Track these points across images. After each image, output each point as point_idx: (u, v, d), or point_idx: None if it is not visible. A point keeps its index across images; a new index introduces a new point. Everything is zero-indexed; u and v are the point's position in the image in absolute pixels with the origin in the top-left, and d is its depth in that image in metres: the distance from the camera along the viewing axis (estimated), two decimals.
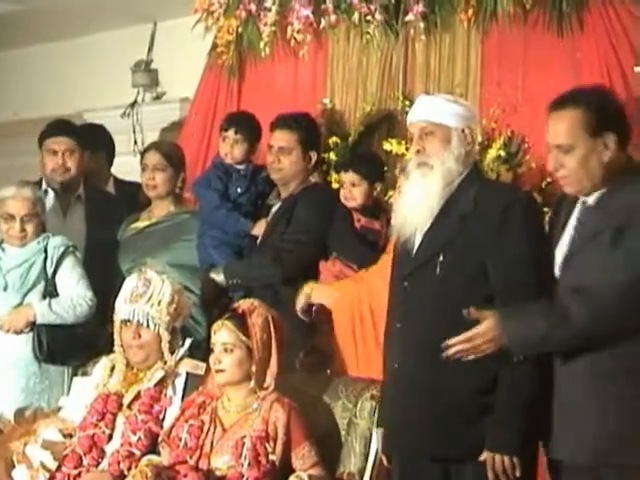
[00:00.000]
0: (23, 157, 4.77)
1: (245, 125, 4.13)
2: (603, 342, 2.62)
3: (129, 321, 3.51)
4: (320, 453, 3.22)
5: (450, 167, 2.94)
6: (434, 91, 4.36)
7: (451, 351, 2.72)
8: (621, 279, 2.58)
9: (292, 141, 3.91)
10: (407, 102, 4.38)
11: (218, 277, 3.94)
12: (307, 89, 4.65)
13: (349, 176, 3.86)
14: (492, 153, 4.18)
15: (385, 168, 4.09)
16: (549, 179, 3.99)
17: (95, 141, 4.66)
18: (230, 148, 4.11)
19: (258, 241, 3.98)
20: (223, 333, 3.28)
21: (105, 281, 4.07)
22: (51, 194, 4.33)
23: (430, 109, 3.00)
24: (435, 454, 2.87)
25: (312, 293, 3.72)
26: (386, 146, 4.33)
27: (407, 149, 4.29)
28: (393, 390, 3.00)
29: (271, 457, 3.17)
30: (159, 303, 3.52)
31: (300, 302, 3.73)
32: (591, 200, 2.74)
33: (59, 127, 4.40)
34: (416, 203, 2.95)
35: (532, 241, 2.85)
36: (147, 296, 3.52)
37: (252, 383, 3.26)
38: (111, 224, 4.32)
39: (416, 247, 2.97)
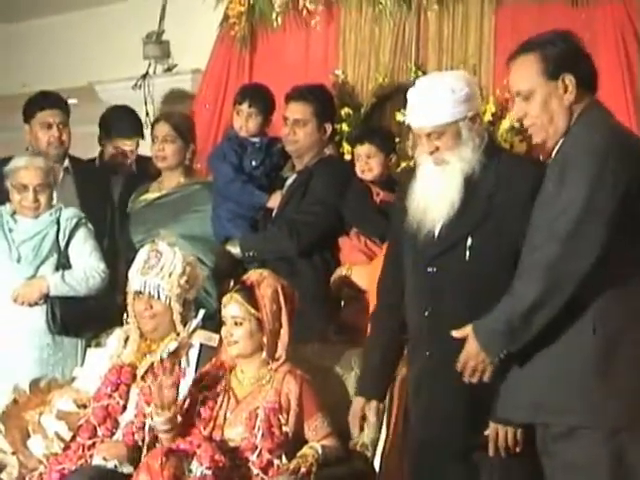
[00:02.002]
0: None
1: (259, 98, 4.12)
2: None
3: (141, 292, 3.52)
4: (333, 424, 3.23)
5: (468, 159, 2.88)
6: (447, 62, 4.35)
7: (466, 378, 2.70)
8: (553, 244, 2.52)
9: (307, 113, 3.90)
10: (419, 73, 4.36)
11: (234, 249, 3.95)
12: (319, 60, 4.64)
13: (365, 148, 3.85)
14: (505, 124, 4.16)
15: (397, 139, 4.07)
16: None
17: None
18: (244, 121, 4.11)
19: (273, 213, 3.97)
20: (232, 306, 3.28)
21: (111, 250, 4.10)
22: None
23: (431, 112, 2.87)
24: (468, 442, 2.84)
25: (352, 273, 3.69)
26: (398, 117, 4.31)
27: None
28: (425, 379, 2.94)
29: (284, 428, 3.18)
30: (170, 275, 3.52)
31: (335, 283, 3.71)
32: (554, 152, 2.69)
33: (50, 100, 4.36)
34: (436, 196, 2.89)
35: None
36: (158, 268, 3.53)
37: (264, 354, 3.27)
38: (102, 194, 4.33)
39: (438, 230, 2.90)
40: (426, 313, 2.91)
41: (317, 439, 3.19)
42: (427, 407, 2.93)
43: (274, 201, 3.98)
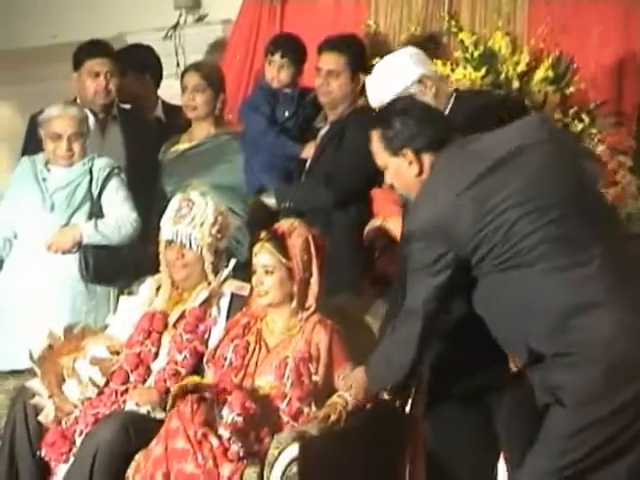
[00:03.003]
0: (62, 82, 4.74)
1: (291, 48, 4.09)
2: None
3: (173, 241, 3.54)
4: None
5: None
6: (481, 11, 4.31)
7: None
8: None
9: (341, 64, 3.87)
10: (453, 22, 4.32)
11: (269, 200, 3.95)
12: (350, 10, 4.60)
13: None
14: (540, 74, 4.12)
15: None
16: (598, 101, 3.93)
17: (140, 63, 4.64)
18: (277, 72, 4.09)
19: (307, 164, 3.97)
20: (263, 255, 3.29)
21: (145, 201, 4.10)
22: (90, 116, 4.33)
23: (381, 88, 3.08)
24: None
25: (388, 223, 3.71)
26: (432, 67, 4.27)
27: (452, 70, 4.25)
28: None
29: (314, 378, 3.20)
30: (202, 224, 3.54)
31: (369, 233, 3.73)
32: None
33: (99, 48, 4.34)
34: None
35: None
36: (190, 217, 3.54)
37: (294, 304, 3.29)
38: (148, 142, 4.32)
39: None
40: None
41: (351, 386, 3.20)
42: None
43: (308, 152, 3.97)
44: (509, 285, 2.51)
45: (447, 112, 3.09)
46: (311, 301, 3.30)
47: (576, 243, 2.47)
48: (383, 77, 3.12)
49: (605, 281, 2.43)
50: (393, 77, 3.07)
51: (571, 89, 4.05)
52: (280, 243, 3.29)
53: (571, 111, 4.05)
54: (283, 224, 3.37)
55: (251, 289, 3.42)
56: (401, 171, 2.77)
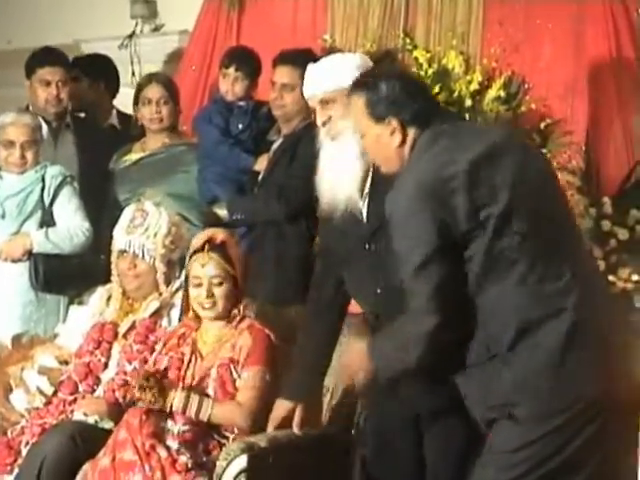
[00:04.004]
0: (16, 88, 4.71)
1: (246, 62, 4.10)
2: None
3: (125, 251, 3.54)
4: (269, 382, 3.18)
5: None
6: (435, 29, 4.35)
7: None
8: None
9: (295, 77, 3.86)
10: (408, 40, 4.36)
11: (221, 212, 3.96)
12: (307, 24, 4.61)
13: None
14: (492, 93, 4.17)
15: None
16: (548, 120, 4.00)
17: (95, 71, 4.63)
18: (231, 85, 4.09)
19: (260, 177, 3.98)
20: (210, 267, 3.25)
21: (98, 209, 4.08)
22: (43, 124, 4.30)
23: (321, 78, 2.93)
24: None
25: None
26: None
27: None
28: None
29: (238, 382, 3.19)
30: (155, 235, 3.54)
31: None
32: None
33: (51, 57, 4.32)
34: (339, 172, 2.87)
35: None
36: (143, 227, 3.54)
37: (234, 313, 3.29)
38: (101, 150, 4.30)
39: (365, 212, 2.90)
40: (378, 291, 2.89)
41: (240, 387, 3.17)
42: None
43: (261, 164, 3.98)
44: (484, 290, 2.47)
45: None
46: (242, 309, 3.30)
47: (550, 257, 2.46)
48: (327, 70, 2.93)
49: (574, 296, 2.43)
50: (337, 73, 2.89)
51: (522, 108, 4.11)
52: (223, 253, 3.28)
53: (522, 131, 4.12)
54: (217, 233, 3.33)
55: (186, 300, 3.37)
56: (382, 140, 2.61)
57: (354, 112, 2.67)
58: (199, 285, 3.27)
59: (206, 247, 3.28)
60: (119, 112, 4.75)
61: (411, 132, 2.59)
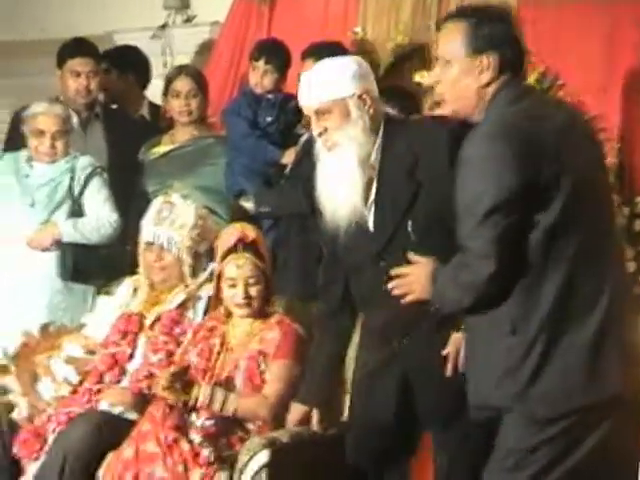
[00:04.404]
0: (48, 77, 4.74)
1: (276, 55, 4.10)
2: None
3: (152, 243, 3.55)
4: (297, 375, 3.17)
5: (359, 139, 2.78)
6: None
7: (391, 283, 2.58)
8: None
9: None
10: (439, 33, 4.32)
11: (247, 204, 3.96)
12: (338, 17, 4.61)
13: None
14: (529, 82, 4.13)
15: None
16: (585, 116, 3.95)
17: (123, 62, 4.65)
18: (260, 78, 4.09)
19: (287, 170, 3.98)
20: (248, 267, 3.27)
21: (126, 200, 4.10)
22: (73, 114, 4.32)
23: (317, 90, 2.80)
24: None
25: None
26: (417, 78, 4.29)
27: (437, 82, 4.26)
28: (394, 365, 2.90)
29: (266, 375, 3.21)
30: (182, 227, 3.55)
31: None
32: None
33: (82, 48, 4.35)
34: (338, 185, 2.81)
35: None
36: (170, 220, 3.56)
37: (266, 309, 3.31)
38: (131, 142, 4.31)
39: (372, 223, 2.84)
40: (390, 305, 2.75)
41: (268, 380, 3.19)
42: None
43: (288, 157, 3.98)
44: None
45: (381, 137, 2.83)
46: (273, 304, 3.32)
47: (596, 253, 2.41)
48: (322, 80, 2.81)
49: (606, 296, 2.39)
50: (333, 83, 2.78)
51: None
52: (256, 252, 3.30)
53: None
54: (247, 230, 3.34)
55: (215, 297, 3.38)
56: (467, 75, 2.41)
57: (446, 39, 2.47)
58: (234, 286, 3.28)
59: (239, 247, 3.29)
60: (151, 104, 4.76)
61: (502, 77, 2.43)
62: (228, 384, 3.21)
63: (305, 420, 3.08)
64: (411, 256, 2.58)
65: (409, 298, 2.57)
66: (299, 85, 2.89)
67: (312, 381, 3.08)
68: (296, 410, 3.10)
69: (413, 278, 2.56)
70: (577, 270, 2.39)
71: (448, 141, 2.71)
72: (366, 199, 2.84)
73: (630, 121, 3.99)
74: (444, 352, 2.81)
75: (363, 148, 2.80)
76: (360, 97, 2.79)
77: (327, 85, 2.80)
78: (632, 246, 3.80)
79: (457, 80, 2.44)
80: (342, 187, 2.81)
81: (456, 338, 2.78)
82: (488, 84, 2.43)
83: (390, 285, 2.59)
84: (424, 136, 2.83)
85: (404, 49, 4.44)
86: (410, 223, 2.77)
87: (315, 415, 3.07)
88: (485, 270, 2.35)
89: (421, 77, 4.27)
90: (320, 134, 2.82)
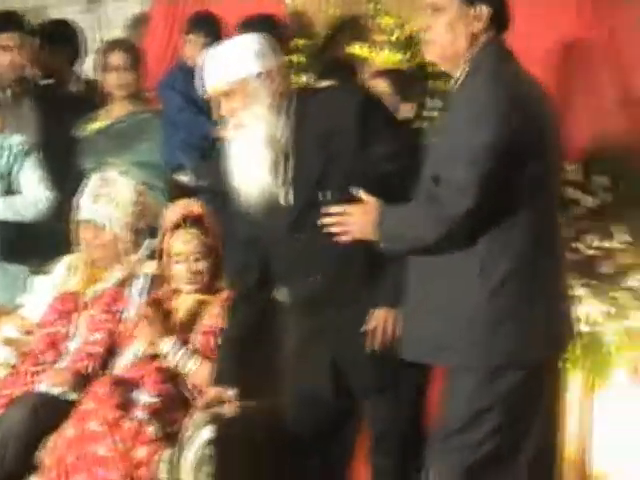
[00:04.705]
0: None
1: (210, 28, 4.07)
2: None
3: (90, 221, 3.51)
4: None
5: (265, 117, 2.76)
6: None
7: (326, 219, 2.59)
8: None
9: None
10: (373, 5, 4.33)
11: (185, 178, 3.93)
12: None
13: None
14: None
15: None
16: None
17: (54, 37, 4.55)
18: (195, 52, 4.04)
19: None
20: (194, 243, 3.26)
21: (60, 178, 4.02)
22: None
23: (220, 71, 2.76)
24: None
25: None
26: (351, 50, 4.29)
27: (372, 52, 4.27)
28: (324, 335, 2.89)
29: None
30: (120, 204, 3.51)
31: None
32: (457, 85, 2.58)
33: (9, 22, 4.25)
34: (247, 165, 2.79)
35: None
36: (108, 197, 3.51)
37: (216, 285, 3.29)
38: (63, 117, 4.24)
39: (283, 197, 2.81)
40: (310, 279, 2.82)
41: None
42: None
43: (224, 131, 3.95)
44: None
45: (293, 112, 2.79)
46: (222, 279, 3.30)
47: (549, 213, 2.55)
48: (225, 60, 2.76)
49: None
50: (235, 63, 2.74)
51: None
52: (202, 226, 3.28)
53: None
54: (191, 206, 3.32)
55: (162, 272, 3.35)
56: (461, 21, 2.49)
57: None
58: (181, 262, 3.27)
59: (185, 223, 3.27)
60: (87, 79, 4.67)
61: (490, 31, 2.50)
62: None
63: (218, 400, 3.00)
64: (357, 192, 2.57)
65: (345, 237, 2.58)
66: (203, 67, 2.83)
67: (219, 364, 3.03)
68: (209, 391, 3.04)
69: (354, 218, 2.57)
70: (542, 229, 2.48)
71: (358, 111, 2.72)
72: (279, 174, 2.81)
73: (564, 91, 4.02)
74: (366, 328, 2.78)
75: (271, 126, 2.77)
76: (265, 75, 2.76)
77: (229, 66, 2.76)
78: (562, 213, 3.86)
79: (450, 25, 2.50)
80: (251, 167, 2.78)
81: (378, 314, 2.77)
82: (477, 35, 2.50)
83: (325, 220, 2.60)
84: (334, 107, 2.79)
85: (338, 21, 4.42)
86: (320, 194, 2.76)
87: (226, 396, 2.99)
88: (462, 204, 2.40)
89: (354, 49, 4.28)
90: (230, 115, 2.79)
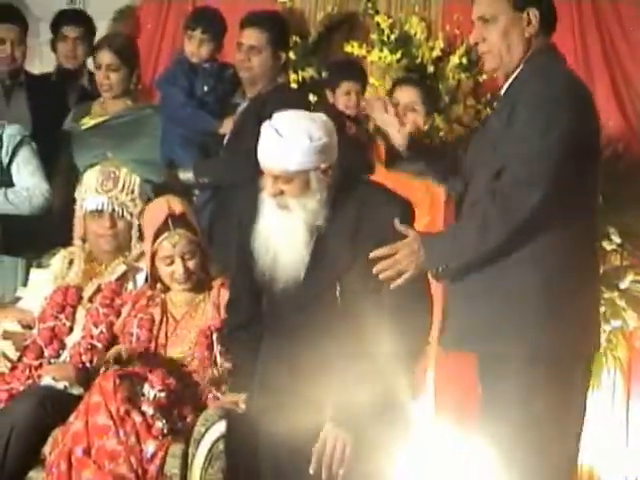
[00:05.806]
0: None
1: (212, 24, 4.02)
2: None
3: (101, 211, 3.49)
4: None
5: (313, 211, 2.71)
6: None
7: (376, 268, 2.55)
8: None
9: (262, 40, 3.83)
10: (369, 4, 4.36)
11: (185, 175, 3.91)
12: None
13: (350, 85, 3.89)
14: (454, 60, 4.20)
15: None
16: None
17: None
18: (196, 47, 4.02)
19: (225, 140, 3.94)
20: (182, 244, 3.25)
21: (53, 170, 3.98)
22: None
23: (283, 156, 2.66)
24: None
25: None
26: (347, 48, 4.32)
27: (368, 52, 4.30)
28: None
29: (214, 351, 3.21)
30: (132, 192, 3.51)
31: None
32: (504, 88, 2.66)
33: (6, 14, 4.19)
34: (280, 243, 2.74)
35: None
36: (119, 186, 3.51)
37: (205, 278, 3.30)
38: (58, 111, 4.19)
39: (304, 275, 2.74)
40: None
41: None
42: None
43: (226, 127, 3.93)
44: None
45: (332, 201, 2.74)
46: (211, 271, 3.32)
47: None
48: (291, 146, 2.67)
49: None
50: (301, 154, 2.66)
51: (484, 76, 4.15)
52: (187, 224, 3.28)
53: (483, 98, 4.17)
54: (173, 204, 3.29)
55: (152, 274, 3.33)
56: (514, 28, 2.57)
57: None
58: (172, 263, 3.27)
59: (169, 223, 3.25)
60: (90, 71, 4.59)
61: (541, 34, 2.59)
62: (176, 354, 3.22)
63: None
64: (397, 225, 2.59)
65: (402, 279, 2.55)
66: (262, 132, 2.75)
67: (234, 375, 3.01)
68: (225, 397, 3.04)
69: (401, 254, 2.55)
70: (593, 227, 2.63)
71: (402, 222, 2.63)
72: (306, 255, 2.74)
73: None
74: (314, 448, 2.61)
75: (314, 217, 2.72)
76: (324, 170, 2.70)
77: (292, 155, 2.66)
78: None
79: (505, 34, 2.59)
80: (284, 247, 2.74)
81: (327, 431, 2.61)
82: (530, 39, 2.58)
83: (375, 270, 2.56)
84: (374, 209, 2.72)
85: (333, 19, 4.44)
86: (339, 288, 2.71)
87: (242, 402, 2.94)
88: (533, 197, 2.44)
89: (351, 47, 4.31)
90: (275, 195, 2.72)
